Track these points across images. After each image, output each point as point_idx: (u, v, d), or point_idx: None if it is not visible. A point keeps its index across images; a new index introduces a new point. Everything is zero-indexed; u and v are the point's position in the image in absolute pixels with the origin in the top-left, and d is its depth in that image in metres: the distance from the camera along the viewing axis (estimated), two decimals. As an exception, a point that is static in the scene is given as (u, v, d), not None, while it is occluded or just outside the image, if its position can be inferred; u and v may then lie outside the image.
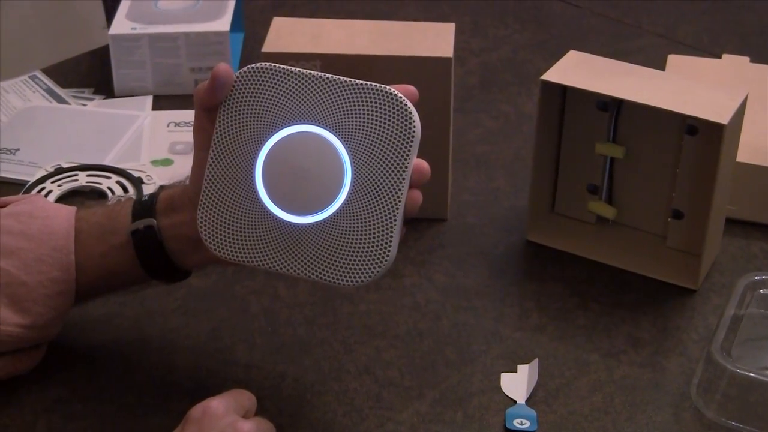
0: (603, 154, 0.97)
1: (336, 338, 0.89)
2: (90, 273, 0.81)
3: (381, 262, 0.71)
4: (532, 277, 0.97)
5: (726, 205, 0.96)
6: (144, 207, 0.80)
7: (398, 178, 0.71)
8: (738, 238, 1.00)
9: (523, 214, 1.02)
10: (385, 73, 0.93)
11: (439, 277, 0.96)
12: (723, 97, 0.90)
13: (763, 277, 0.88)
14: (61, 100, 1.23)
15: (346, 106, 0.72)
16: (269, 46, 0.96)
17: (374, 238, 0.71)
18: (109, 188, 1.06)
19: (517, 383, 0.84)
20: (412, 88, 0.74)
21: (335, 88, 0.73)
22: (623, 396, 0.83)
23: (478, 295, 0.94)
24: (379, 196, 0.71)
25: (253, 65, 0.74)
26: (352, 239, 0.72)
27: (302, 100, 0.73)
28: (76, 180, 1.08)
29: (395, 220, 0.71)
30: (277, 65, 0.74)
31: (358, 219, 0.72)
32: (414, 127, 0.71)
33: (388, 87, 0.72)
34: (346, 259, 0.72)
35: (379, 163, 0.71)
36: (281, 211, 0.73)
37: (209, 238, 0.74)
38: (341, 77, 0.73)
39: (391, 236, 0.71)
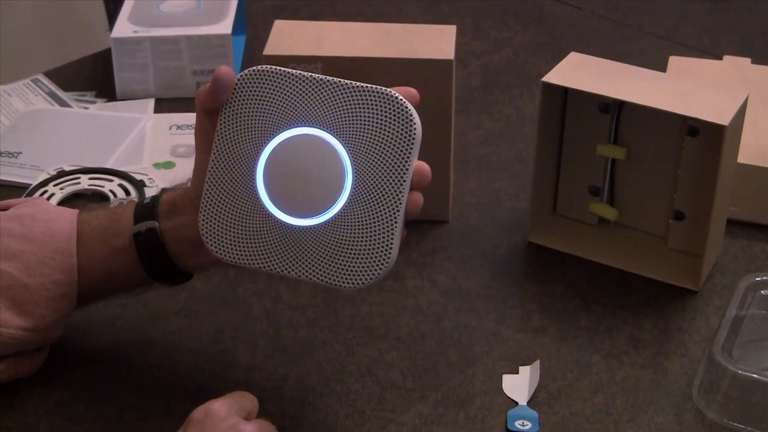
0: (604, 156, 0.97)
1: (338, 340, 0.89)
2: (92, 275, 0.81)
3: (382, 264, 0.71)
4: (534, 279, 0.97)
5: (727, 206, 0.96)
6: (146, 210, 0.80)
7: (399, 181, 0.71)
8: (739, 239, 1.00)
9: (525, 215, 1.02)
10: (386, 75, 0.92)
11: (441, 279, 0.96)
12: (724, 98, 0.90)
13: (765, 278, 0.88)
14: (63, 103, 1.23)
15: (347, 109, 0.72)
16: (271, 48, 0.96)
17: (375, 240, 0.71)
18: (111, 191, 1.06)
19: (518, 384, 0.84)
20: (413, 91, 0.74)
21: (336, 91, 0.73)
22: (625, 397, 0.84)
23: (479, 296, 0.94)
24: (380, 198, 0.71)
25: (254, 68, 0.74)
26: (354, 241, 0.72)
27: (303, 102, 0.73)
28: (79, 183, 1.08)
29: (396, 222, 0.71)
30: (279, 68, 0.74)
31: (359, 221, 0.72)
32: (415, 129, 0.71)
33: (389, 89, 0.72)
34: (347, 261, 0.72)
35: (380, 165, 0.71)
36: (282, 213, 0.73)
37: (211, 240, 0.75)
38: (342, 80, 0.73)
39: (393, 238, 0.71)
